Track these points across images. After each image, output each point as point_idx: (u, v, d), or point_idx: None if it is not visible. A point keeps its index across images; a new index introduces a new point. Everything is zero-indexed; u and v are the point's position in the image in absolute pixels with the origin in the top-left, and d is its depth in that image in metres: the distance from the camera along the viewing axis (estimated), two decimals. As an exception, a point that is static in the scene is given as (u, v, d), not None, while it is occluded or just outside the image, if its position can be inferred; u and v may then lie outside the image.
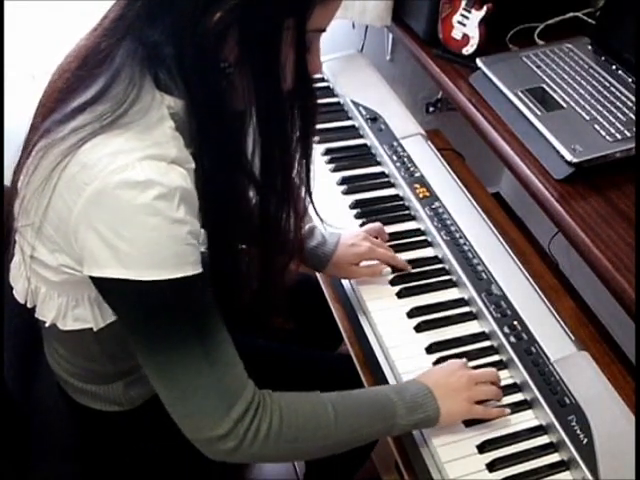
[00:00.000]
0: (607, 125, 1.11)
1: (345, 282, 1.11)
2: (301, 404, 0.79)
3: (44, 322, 0.82)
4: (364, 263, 1.06)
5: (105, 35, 0.73)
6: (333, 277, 1.11)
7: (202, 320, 0.72)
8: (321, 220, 0.94)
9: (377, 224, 1.12)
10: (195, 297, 0.71)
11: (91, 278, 0.70)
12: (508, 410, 0.89)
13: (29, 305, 0.83)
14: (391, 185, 1.24)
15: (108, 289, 0.71)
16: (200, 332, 0.72)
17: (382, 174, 1.26)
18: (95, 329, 0.79)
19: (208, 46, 0.68)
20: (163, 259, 0.67)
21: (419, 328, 1.00)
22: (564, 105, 1.16)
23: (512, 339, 0.96)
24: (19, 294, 0.83)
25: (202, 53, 0.68)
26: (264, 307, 0.91)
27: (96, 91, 0.70)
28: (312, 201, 0.86)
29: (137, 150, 0.67)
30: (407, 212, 1.19)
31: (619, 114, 1.13)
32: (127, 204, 0.65)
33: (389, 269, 1.07)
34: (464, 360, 0.93)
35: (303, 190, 0.84)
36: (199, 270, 0.71)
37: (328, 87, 1.46)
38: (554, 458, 0.86)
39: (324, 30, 0.74)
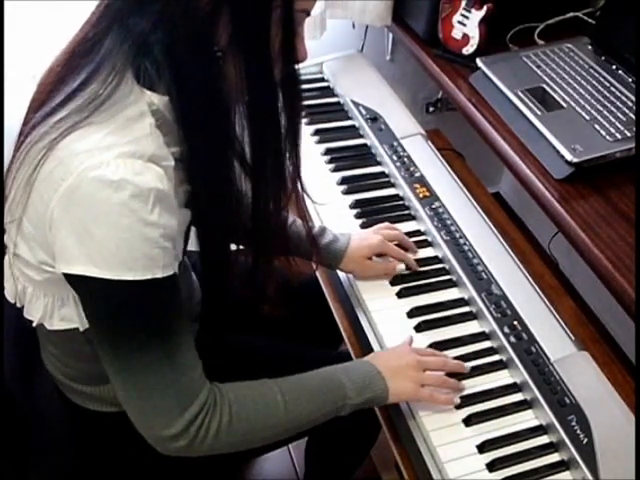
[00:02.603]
0: (607, 125, 1.11)
1: (345, 281, 1.11)
2: (251, 396, 0.80)
3: (31, 322, 0.82)
4: (376, 259, 1.07)
5: (93, 25, 0.73)
6: (346, 272, 1.10)
7: (166, 322, 0.72)
8: (312, 201, 0.95)
9: (385, 224, 1.13)
10: (161, 299, 0.72)
11: (63, 274, 0.70)
12: (457, 400, 0.90)
13: (18, 305, 0.83)
14: (391, 185, 1.24)
15: (76, 285, 0.72)
16: (163, 333, 0.72)
17: (382, 174, 1.26)
18: (81, 329, 0.80)
19: (201, 29, 0.68)
20: (132, 260, 0.67)
21: (419, 328, 1.00)
22: (564, 105, 1.16)
23: (512, 339, 0.96)
24: (9, 294, 0.83)
25: (195, 36, 0.68)
26: (254, 296, 0.92)
27: (78, 83, 0.70)
28: (302, 184, 0.86)
29: (114, 147, 0.67)
30: (407, 212, 1.19)
31: (619, 114, 1.13)
32: (101, 202, 0.65)
33: (403, 266, 1.07)
34: (414, 346, 0.94)
35: (292, 177, 0.84)
36: (169, 273, 0.71)
37: (328, 87, 1.46)
38: (554, 458, 0.86)
39: (309, 13, 0.74)
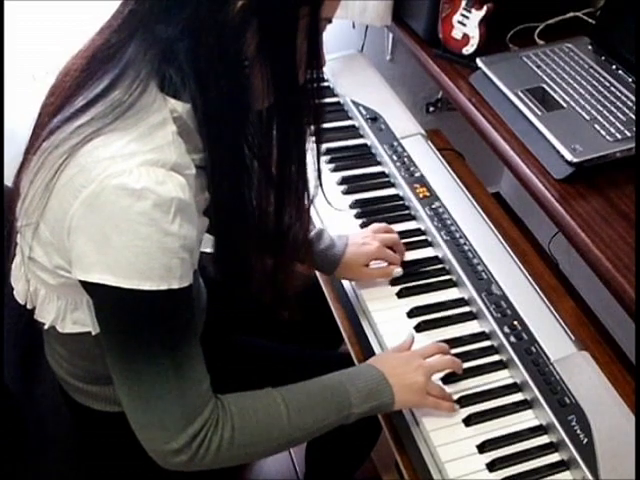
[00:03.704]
0: (607, 125, 1.11)
1: (345, 282, 1.11)
2: (253, 408, 0.79)
3: (43, 324, 0.82)
4: (373, 264, 1.06)
5: (116, 31, 0.72)
6: (343, 279, 1.10)
7: (178, 334, 0.72)
8: (330, 205, 0.94)
9: (382, 224, 1.12)
10: (175, 311, 0.71)
11: (79, 281, 0.70)
12: (457, 406, 0.90)
13: (29, 306, 0.82)
14: (391, 185, 1.24)
15: (91, 292, 0.71)
16: (174, 346, 0.72)
17: (382, 174, 1.26)
18: (94, 333, 0.79)
19: (229, 38, 0.67)
20: (150, 269, 0.67)
21: (419, 328, 1.00)
22: (564, 105, 1.16)
23: (512, 339, 0.96)
24: (19, 295, 0.83)
25: (223, 46, 0.67)
26: (273, 301, 0.91)
27: (101, 89, 0.70)
28: (323, 191, 0.86)
29: (136, 155, 0.66)
30: (407, 212, 1.19)
31: (619, 114, 1.13)
32: (122, 211, 0.65)
33: (400, 270, 1.06)
34: (421, 350, 0.93)
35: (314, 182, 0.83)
36: (185, 284, 0.71)
37: (328, 87, 1.46)
38: (554, 458, 0.86)
39: (331, 20, 0.74)
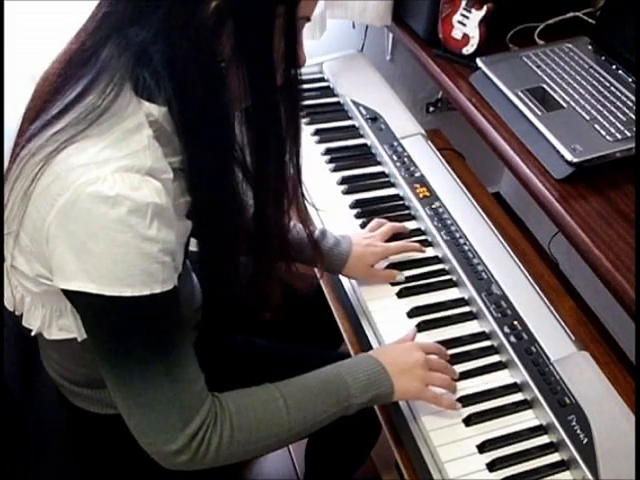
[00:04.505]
0: (607, 125, 1.11)
1: (345, 282, 1.11)
2: (252, 405, 0.79)
3: (30, 330, 0.82)
4: (378, 265, 1.07)
5: (90, 34, 0.72)
6: (350, 277, 1.10)
7: (166, 337, 0.72)
8: (315, 208, 0.95)
9: (374, 221, 1.13)
10: (160, 315, 0.71)
11: (61, 289, 0.70)
12: (459, 405, 0.89)
13: (17, 313, 0.82)
14: (391, 185, 1.24)
15: (75, 301, 0.71)
16: (163, 349, 0.71)
17: (382, 174, 1.26)
18: (79, 339, 0.79)
19: (204, 39, 0.67)
20: (130, 276, 0.66)
21: (419, 328, 1.00)
22: (564, 105, 1.16)
23: (512, 339, 0.96)
24: (7, 302, 0.83)
25: (198, 47, 0.67)
26: (257, 300, 0.91)
27: (76, 94, 0.69)
28: (302, 188, 0.86)
29: (111, 161, 0.66)
30: (407, 212, 1.19)
31: (619, 114, 1.13)
32: (98, 218, 0.64)
33: (403, 276, 1.07)
34: (422, 343, 0.93)
35: (294, 181, 0.83)
36: (168, 288, 0.70)
37: (328, 87, 1.46)
38: (554, 458, 0.86)
39: (309, 19, 0.74)
